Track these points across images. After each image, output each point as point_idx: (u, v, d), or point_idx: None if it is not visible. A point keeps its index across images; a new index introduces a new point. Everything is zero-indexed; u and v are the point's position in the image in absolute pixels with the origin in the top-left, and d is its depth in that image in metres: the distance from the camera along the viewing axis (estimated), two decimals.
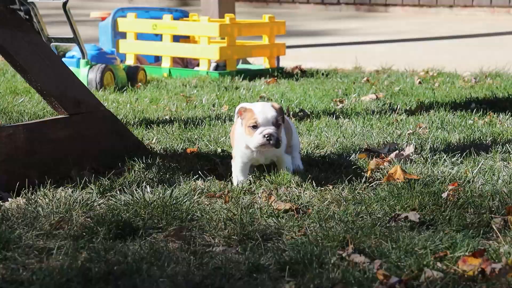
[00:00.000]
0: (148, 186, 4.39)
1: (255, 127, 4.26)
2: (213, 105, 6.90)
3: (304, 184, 4.43)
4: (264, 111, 4.28)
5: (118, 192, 4.36)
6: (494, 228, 3.77)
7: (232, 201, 4.23)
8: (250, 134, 4.28)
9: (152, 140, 5.55)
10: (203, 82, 8.20)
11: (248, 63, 9.69)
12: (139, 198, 4.17)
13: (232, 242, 3.72)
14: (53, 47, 7.91)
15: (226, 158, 5.00)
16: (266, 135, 4.23)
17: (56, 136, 4.82)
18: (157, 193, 4.23)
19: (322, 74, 8.85)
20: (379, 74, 8.86)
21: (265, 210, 4.09)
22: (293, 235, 3.79)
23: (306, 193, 4.35)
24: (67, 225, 3.87)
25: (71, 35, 7.68)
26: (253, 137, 4.26)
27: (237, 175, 4.49)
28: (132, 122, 6.20)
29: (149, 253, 3.51)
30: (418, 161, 4.93)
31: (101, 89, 7.66)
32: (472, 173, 4.64)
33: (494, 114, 6.30)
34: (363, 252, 3.50)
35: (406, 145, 5.24)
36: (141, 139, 5.37)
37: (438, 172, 4.64)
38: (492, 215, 3.92)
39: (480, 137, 5.56)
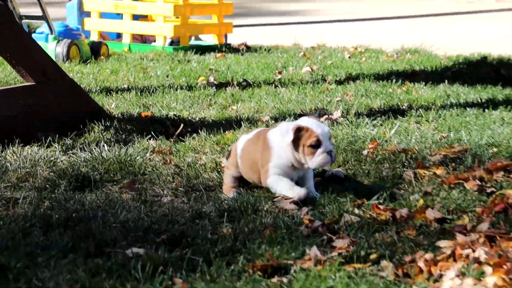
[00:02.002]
0: (105, 145, 4.36)
1: (316, 146, 3.45)
2: (167, 76, 6.86)
3: None
4: (321, 127, 3.48)
5: (79, 150, 4.33)
6: (406, 179, 3.82)
7: (177, 158, 4.22)
8: (310, 154, 3.46)
9: (111, 105, 5.51)
10: (159, 56, 8.14)
11: (200, 39, 9.65)
12: (97, 155, 4.15)
13: (178, 193, 3.73)
14: (24, 24, 7.80)
15: (176, 121, 4.99)
16: (329, 152, 3.46)
17: (25, 102, 4.76)
18: (113, 151, 4.21)
19: (265, 49, 8.84)
20: (314, 50, 8.87)
21: (209, 165, 4.10)
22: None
23: None
24: (32, 178, 3.85)
25: (40, 14, 7.57)
26: (315, 156, 3.45)
27: (290, 188, 3.53)
28: (94, 90, 6.14)
29: (105, 202, 3.50)
30: (344, 123, 4.97)
31: (67, 61, 7.58)
32: (390, 133, 4.69)
33: (411, 83, 6.36)
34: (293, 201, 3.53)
35: (334, 110, 5.28)
36: (101, 105, 5.32)
37: (360, 133, 4.68)
38: (405, 169, 3.98)
39: (398, 103, 5.61)
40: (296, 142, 3.48)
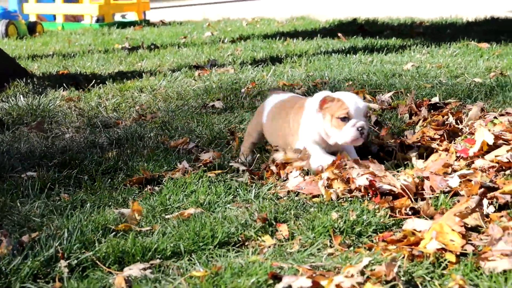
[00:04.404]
0: (21, 96, 4.08)
1: (345, 119, 2.60)
2: (89, 45, 6.56)
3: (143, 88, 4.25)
4: (355, 101, 2.63)
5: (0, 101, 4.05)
6: None
7: (83, 103, 3.98)
8: (338, 127, 2.62)
9: (34, 67, 5.20)
10: (87, 31, 7.80)
11: (125, 18, 9.31)
12: (13, 104, 3.88)
13: (81, 130, 3.50)
14: None
15: (88, 76, 4.73)
16: (359, 128, 2.60)
17: None
18: (28, 101, 3.94)
19: (178, 23, 8.58)
20: (219, 22, 8.65)
21: (110, 107, 3.87)
22: (127, 122, 3.60)
23: (143, 95, 4.15)
24: None
25: None
26: (343, 130, 2.61)
27: (321, 158, 2.65)
28: (24, 57, 5.80)
29: (12, 139, 3.26)
30: (230, 70, 4.79)
31: (6, 38, 7.18)
32: (267, 76, 4.54)
33: (291, 39, 6.21)
34: (175, 130, 3.35)
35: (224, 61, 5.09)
36: (26, 67, 5.01)
37: (242, 76, 4.51)
38: None
39: (278, 54, 5.46)
40: (325, 113, 2.66)
